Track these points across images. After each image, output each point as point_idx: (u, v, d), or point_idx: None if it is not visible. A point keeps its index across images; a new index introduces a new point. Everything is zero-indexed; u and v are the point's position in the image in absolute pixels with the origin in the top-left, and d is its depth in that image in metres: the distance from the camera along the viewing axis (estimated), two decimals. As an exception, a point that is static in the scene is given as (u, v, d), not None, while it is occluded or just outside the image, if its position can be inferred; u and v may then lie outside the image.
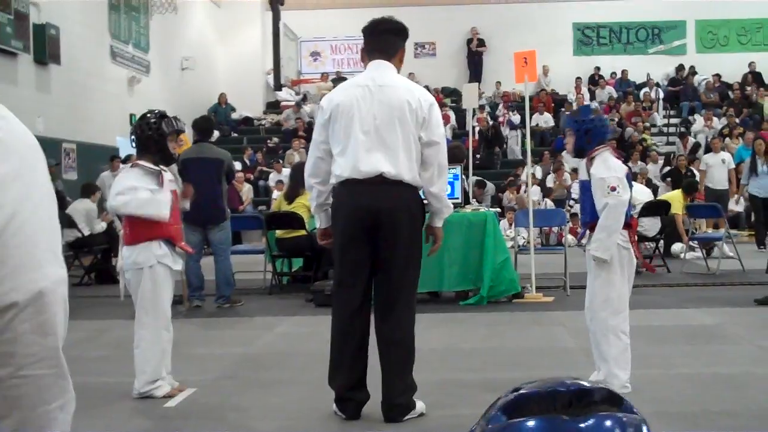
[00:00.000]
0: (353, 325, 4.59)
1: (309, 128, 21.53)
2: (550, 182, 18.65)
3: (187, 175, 8.48)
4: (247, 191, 18.33)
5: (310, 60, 26.71)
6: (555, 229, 15.51)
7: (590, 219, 5.03)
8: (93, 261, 11.74)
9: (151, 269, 5.13)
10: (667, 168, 18.95)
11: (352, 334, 4.58)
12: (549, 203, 17.07)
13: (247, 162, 20.56)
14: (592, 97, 24.03)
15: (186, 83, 21.73)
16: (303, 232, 9.94)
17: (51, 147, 13.58)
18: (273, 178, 18.87)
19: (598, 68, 24.92)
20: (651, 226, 11.74)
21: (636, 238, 5.37)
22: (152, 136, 5.27)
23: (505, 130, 21.88)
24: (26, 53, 14.00)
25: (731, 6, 24.77)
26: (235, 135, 23.08)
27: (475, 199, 12.22)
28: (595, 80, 24.71)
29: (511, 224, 14.97)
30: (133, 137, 5.37)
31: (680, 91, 24.30)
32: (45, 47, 14.43)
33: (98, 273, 11.71)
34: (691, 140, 20.92)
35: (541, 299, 9.00)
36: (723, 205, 13.77)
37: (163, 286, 5.19)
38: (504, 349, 6.63)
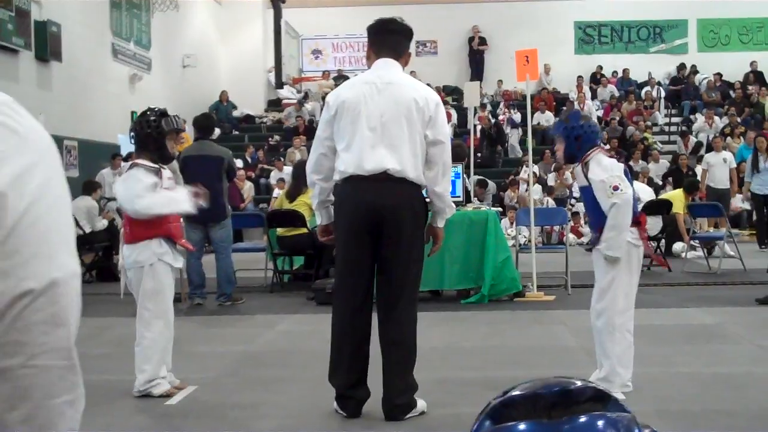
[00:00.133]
0: (354, 322, 4.59)
1: (310, 126, 21.53)
2: (551, 181, 18.65)
3: (188, 172, 8.49)
4: (248, 189, 18.33)
5: (312, 58, 26.70)
6: (556, 227, 15.50)
7: (601, 221, 5.02)
8: (94, 258, 11.74)
9: (151, 267, 5.12)
10: (675, 167, 18.94)
11: (353, 332, 4.58)
12: (550, 202, 17.06)
13: (249, 160, 20.55)
14: (594, 96, 24.03)
15: (187, 81, 21.73)
16: (304, 230, 9.94)
17: (52, 144, 13.54)
18: (274, 176, 18.87)
19: (600, 67, 24.90)
20: (652, 225, 11.72)
21: (647, 234, 5.38)
22: (151, 134, 5.25)
23: (506, 129, 21.88)
24: (27, 50, 14.00)
25: (733, 5, 24.75)
26: (237, 133, 23.07)
27: (476, 198, 12.22)
28: (597, 79, 24.69)
29: (512, 223, 14.98)
30: (132, 134, 5.36)
31: (681, 90, 24.29)
32: (46, 44, 14.42)
33: (99, 270, 11.72)
34: (693, 139, 20.91)
35: (542, 298, 8.99)
36: (724, 205, 13.76)
37: (164, 283, 5.19)
38: (505, 348, 6.64)
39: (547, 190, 17.87)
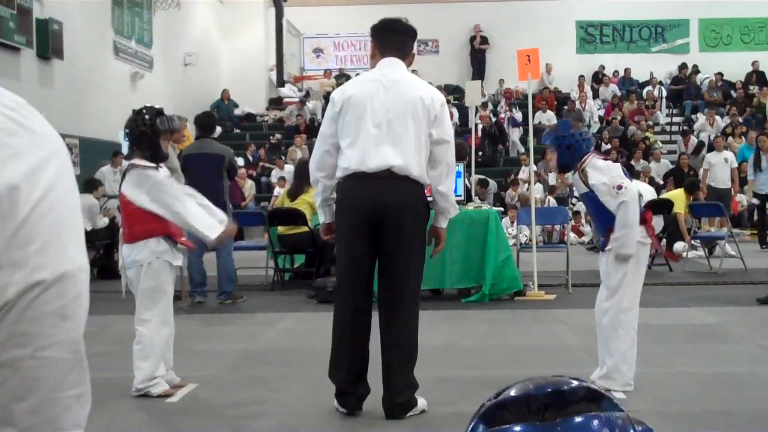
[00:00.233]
0: (355, 320, 4.58)
1: (311, 125, 21.53)
2: (552, 180, 18.64)
3: (189, 170, 8.49)
4: (249, 187, 18.33)
5: (313, 56, 26.70)
6: (557, 227, 15.50)
7: (610, 223, 5.02)
8: (95, 256, 11.74)
9: (150, 266, 5.10)
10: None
11: (353, 330, 4.58)
12: (552, 201, 17.06)
13: (250, 158, 20.55)
14: (595, 95, 24.02)
15: (189, 79, 21.73)
16: (305, 229, 9.95)
17: (53, 142, 13.54)
18: (275, 174, 18.87)
19: (602, 66, 24.88)
20: (653, 224, 11.72)
21: (654, 231, 5.41)
22: (146, 132, 5.20)
23: (507, 128, 21.87)
24: (29, 48, 14.00)
25: (734, 5, 24.74)
26: (238, 131, 23.07)
27: (477, 197, 12.22)
28: (598, 78, 24.68)
29: (513, 222, 14.98)
30: (126, 131, 5.32)
31: (683, 90, 24.28)
32: (48, 42, 14.42)
33: (100, 268, 11.72)
34: (693, 139, 20.89)
35: (542, 297, 8.99)
36: (725, 204, 13.76)
37: (164, 282, 5.17)
38: (505, 347, 6.63)
39: (549, 189, 17.87)
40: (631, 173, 5.25)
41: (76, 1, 15.90)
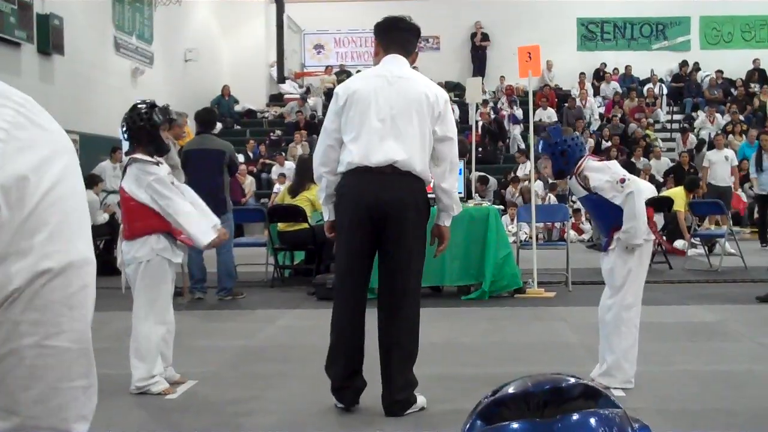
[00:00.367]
0: (354, 316, 4.58)
1: (311, 121, 21.52)
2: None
3: (190, 166, 8.49)
4: (249, 184, 18.33)
5: (314, 53, 26.66)
6: (557, 224, 15.50)
7: (614, 222, 5.02)
8: (95, 252, 11.75)
9: (149, 263, 5.08)
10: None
11: (352, 326, 4.58)
12: (552, 198, 17.07)
13: (250, 155, 20.54)
14: (596, 93, 24.01)
15: (189, 75, 21.72)
16: (305, 226, 9.94)
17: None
18: (276, 170, 18.87)
19: (603, 64, 24.87)
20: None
21: (657, 227, 5.43)
22: (144, 127, 5.19)
23: (507, 125, 21.86)
24: (30, 43, 13.99)
25: (735, 3, 24.71)
26: (238, 127, 23.06)
27: (477, 194, 12.22)
28: (599, 75, 24.66)
29: (513, 219, 14.97)
30: (124, 128, 5.31)
31: (684, 88, 24.26)
32: (48, 37, 14.41)
33: (100, 264, 11.71)
34: (692, 137, 20.87)
35: (542, 294, 9.00)
36: (726, 202, 13.76)
37: (163, 279, 5.15)
38: (505, 344, 6.64)
39: (549, 186, 17.87)
40: (632, 171, 5.26)
41: (77, -3, 15.90)
